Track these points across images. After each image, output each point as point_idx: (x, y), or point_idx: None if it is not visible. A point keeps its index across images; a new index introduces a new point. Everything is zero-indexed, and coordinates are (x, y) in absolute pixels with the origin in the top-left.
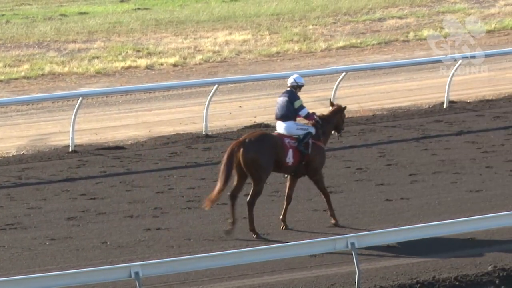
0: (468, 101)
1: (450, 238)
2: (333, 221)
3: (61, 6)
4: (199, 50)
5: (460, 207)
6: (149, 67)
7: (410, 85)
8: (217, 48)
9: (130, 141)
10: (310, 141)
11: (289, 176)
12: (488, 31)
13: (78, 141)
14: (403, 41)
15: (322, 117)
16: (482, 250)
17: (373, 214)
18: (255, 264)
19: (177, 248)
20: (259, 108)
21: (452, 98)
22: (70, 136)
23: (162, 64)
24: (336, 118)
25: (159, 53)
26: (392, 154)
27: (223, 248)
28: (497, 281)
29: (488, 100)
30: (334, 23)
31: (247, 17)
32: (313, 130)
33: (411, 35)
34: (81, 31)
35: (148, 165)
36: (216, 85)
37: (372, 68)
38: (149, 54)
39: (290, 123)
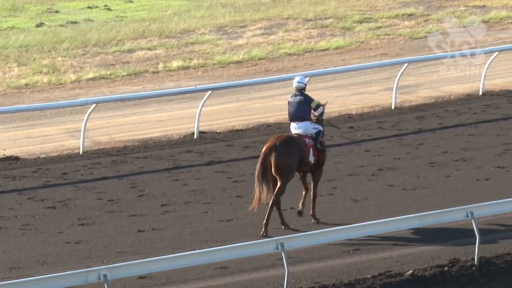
0: (218, 131)
1: (201, 267)
2: (313, 221)
3: None
4: None
5: (211, 236)
6: None
7: (160, 116)
8: None
9: None
10: (322, 139)
11: (301, 175)
12: (237, 62)
13: None
14: (153, 72)
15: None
16: (233, 278)
17: (125, 246)
18: None
19: None
20: (8, 141)
21: (202, 128)
22: None
23: None
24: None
25: None
26: (143, 185)
27: None
28: None
29: (237, 130)
30: (84, 54)
31: None
32: (322, 128)
33: (161, 66)
34: None
35: None
36: None
37: (122, 99)
38: None
39: (306, 123)
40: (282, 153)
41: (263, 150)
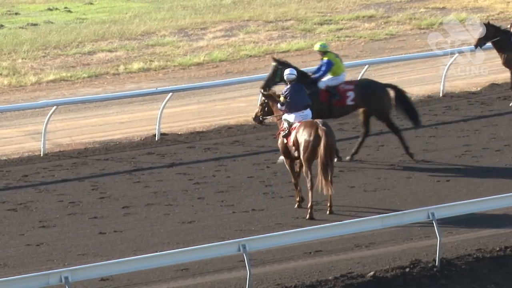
0: (179, 133)
1: (163, 269)
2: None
3: None
4: None
5: (173, 238)
6: None
7: (121, 118)
8: None
9: None
10: None
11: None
12: (197, 64)
13: None
14: (114, 74)
15: None
16: (195, 280)
17: (86, 248)
18: None
19: None
20: None
21: (163, 130)
22: None
23: None
24: None
25: None
26: (105, 187)
27: None
28: None
29: (198, 132)
30: (44, 56)
31: None
32: None
33: (121, 68)
34: None
35: None
36: None
37: (83, 101)
38: None
39: (309, 110)
40: (333, 136)
41: (322, 136)
